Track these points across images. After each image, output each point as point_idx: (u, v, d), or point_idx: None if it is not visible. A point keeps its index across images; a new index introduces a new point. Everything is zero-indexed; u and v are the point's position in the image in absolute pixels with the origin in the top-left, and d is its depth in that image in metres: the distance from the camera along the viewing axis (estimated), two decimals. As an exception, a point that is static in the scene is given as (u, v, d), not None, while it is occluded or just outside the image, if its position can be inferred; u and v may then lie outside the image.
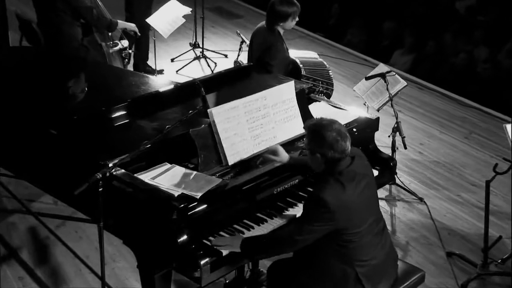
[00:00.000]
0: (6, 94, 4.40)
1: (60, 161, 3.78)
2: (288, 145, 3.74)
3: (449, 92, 7.44)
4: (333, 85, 5.56)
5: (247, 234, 3.30)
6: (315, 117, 3.68)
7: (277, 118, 3.72)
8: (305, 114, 3.85)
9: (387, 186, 5.41)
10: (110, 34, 5.79)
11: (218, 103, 3.62)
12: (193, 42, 8.15)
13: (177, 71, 7.68)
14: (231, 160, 3.48)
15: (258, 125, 3.62)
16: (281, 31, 5.04)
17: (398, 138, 5.22)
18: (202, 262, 3.08)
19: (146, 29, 7.10)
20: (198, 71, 7.70)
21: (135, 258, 3.32)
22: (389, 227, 4.87)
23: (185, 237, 3.10)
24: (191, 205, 3.13)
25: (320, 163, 3.18)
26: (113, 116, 3.83)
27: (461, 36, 8.43)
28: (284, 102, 3.76)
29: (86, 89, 4.52)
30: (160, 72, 7.50)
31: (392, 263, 3.41)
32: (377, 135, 4.23)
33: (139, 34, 6.01)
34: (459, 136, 6.49)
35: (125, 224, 3.36)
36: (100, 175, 3.15)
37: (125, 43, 5.90)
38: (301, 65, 5.39)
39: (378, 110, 5.40)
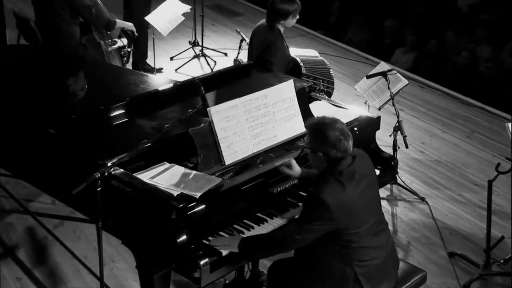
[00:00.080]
0: (4, 93, 4.40)
1: (58, 160, 3.78)
2: (289, 144, 3.75)
3: (451, 90, 7.44)
4: (333, 84, 5.56)
5: (247, 234, 3.30)
6: (315, 116, 3.70)
7: (277, 117, 3.72)
8: (306, 113, 3.85)
9: (388, 185, 5.41)
10: (109, 32, 5.80)
11: (217, 101, 3.62)
12: (193, 40, 8.15)
13: (176, 70, 7.68)
14: (228, 160, 3.48)
15: (258, 124, 3.62)
16: (282, 29, 5.04)
17: (399, 137, 5.22)
18: (202, 262, 3.08)
19: (145, 27, 7.11)
20: (197, 69, 7.71)
21: (134, 258, 3.32)
22: (390, 227, 4.88)
23: (184, 237, 3.10)
24: (190, 205, 3.13)
25: (321, 162, 3.19)
26: (111, 115, 3.83)
27: (464, 34, 8.43)
28: (284, 101, 3.76)
29: (85, 88, 4.52)
30: (159, 70, 7.50)
31: (393, 264, 3.41)
32: (378, 134, 4.23)
33: (137, 34, 6.01)
34: (461, 135, 6.49)
35: (124, 224, 3.36)
36: (99, 175, 3.15)
37: (124, 41, 5.90)
38: (301, 64, 5.39)
39: (379, 109, 5.40)
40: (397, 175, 5.28)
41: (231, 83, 4.23)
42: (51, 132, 3.82)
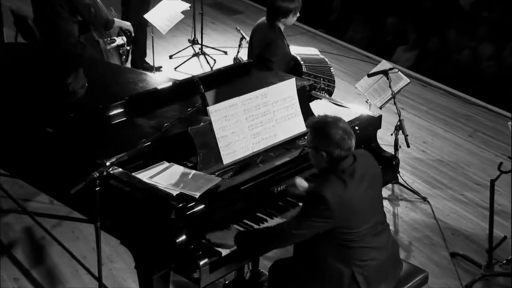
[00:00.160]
0: (1, 92, 4.40)
1: (56, 160, 3.78)
2: (289, 143, 3.75)
3: (453, 89, 7.43)
4: (334, 82, 5.55)
5: (247, 234, 3.31)
6: (316, 115, 3.70)
7: (278, 116, 3.72)
8: (306, 112, 3.86)
9: (390, 185, 5.41)
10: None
11: (217, 100, 3.62)
12: (192, 39, 8.15)
13: (175, 68, 7.68)
14: (227, 160, 3.48)
15: (257, 123, 3.62)
16: (282, 27, 5.04)
17: (401, 137, 5.23)
18: (201, 262, 3.08)
19: (144, 25, 7.11)
20: (197, 68, 7.71)
21: (132, 258, 3.33)
22: (391, 227, 4.88)
23: (183, 237, 3.10)
24: (189, 205, 3.14)
25: (323, 161, 3.19)
26: (110, 114, 3.83)
27: (466, 32, 8.42)
28: (285, 100, 3.76)
29: (83, 86, 4.52)
30: (158, 69, 7.49)
31: (394, 265, 3.40)
32: (379, 133, 4.23)
33: (133, 34, 6.01)
34: (463, 134, 6.49)
35: (123, 224, 3.36)
36: (97, 174, 3.15)
37: (122, 39, 5.90)
38: (302, 62, 5.39)
39: (380, 108, 5.40)
40: (398, 175, 5.27)
41: (231, 81, 4.23)
42: (49, 131, 3.82)
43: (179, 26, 7.29)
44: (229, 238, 3.20)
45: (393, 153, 5.04)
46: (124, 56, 5.99)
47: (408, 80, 5.47)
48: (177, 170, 3.37)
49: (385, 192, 5.36)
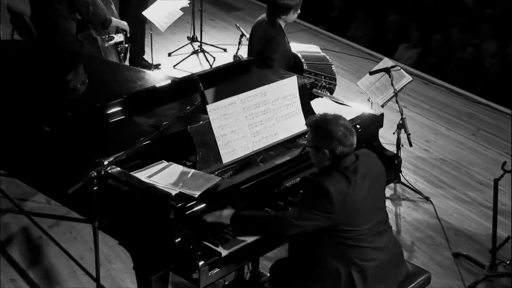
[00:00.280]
0: (-2, 90, 4.41)
1: (54, 159, 3.78)
2: (290, 142, 3.75)
3: (456, 87, 7.43)
4: (336, 80, 5.56)
5: (247, 234, 3.31)
6: (317, 113, 3.70)
7: (278, 115, 3.72)
8: (307, 110, 3.85)
9: (392, 184, 5.42)
10: (105, 29, 5.81)
11: (217, 98, 3.62)
12: (191, 36, 8.15)
13: (174, 66, 7.67)
14: (226, 159, 3.48)
15: (257, 121, 3.62)
16: (283, 24, 5.04)
17: (403, 135, 5.22)
18: (201, 263, 3.08)
19: (142, 22, 7.10)
20: (196, 65, 7.70)
21: (131, 259, 3.33)
22: (393, 227, 4.88)
23: (182, 237, 3.10)
24: (189, 204, 3.13)
25: (326, 160, 3.19)
26: (108, 112, 3.83)
27: (469, 29, 8.43)
28: (285, 98, 3.76)
29: (81, 84, 4.52)
30: (157, 66, 7.49)
31: (396, 266, 3.39)
32: (381, 132, 4.23)
33: (129, 35, 6.01)
34: (466, 133, 6.49)
35: (121, 224, 3.36)
36: (95, 173, 3.15)
37: (120, 36, 5.90)
38: (303, 60, 5.39)
39: (382, 106, 5.40)
40: (400, 174, 5.27)
41: (230, 79, 4.22)
42: (46, 129, 3.82)
43: (178, 23, 7.29)
44: (225, 218, 3.19)
45: (395, 152, 5.05)
46: (122, 54, 6.00)
47: (410, 78, 5.47)
48: (176, 169, 3.37)
49: (387, 191, 5.36)
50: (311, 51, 5.67)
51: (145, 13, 6.78)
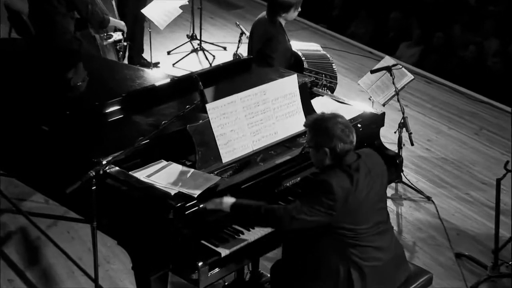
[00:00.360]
0: (-5, 88, 4.41)
1: (52, 158, 3.78)
2: (290, 141, 3.75)
3: (458, 86, 7.44)
4: (336, 79, 5.56)
5: (247, 234, 3.30)
6: (318, 112, 3.70)
7: (278, 114, 3.72)
8: (308, 109, 3.85)
9: (393, 184, 5.42)
10: (103, 28, 5.81)
11: (216, 97, 3.62)
12: (191, 34, 8.15)
13: (173, 64, 7.68)
14: (226, 158, 3.48)
15: (257, 120, 3.62)
16: (283, 22, 5.04)
17: (404, 134, 5.22)
18: (200, 263, 3.08)
19: (141, 20, 7.10)
20: (195, 64, 7.70)
21: (130, 259, 3.33)
22: (395, 227, 4.88)
23: (182, 237, 3.10)
24: (188, 204, 3.14)
25: (327, 159, 3.19)
26: (107, 111, 3.83)
27: (471, 27, 8.43)
28: (285, 97, 3.76)
29: (79, 83, 4.52)
30: (156, 65, 7.50)
31: (398, 267, 3.39)
32: (382, 131, 4.23)
33: (125, 36, 6.02)
34: (468, 132, 6.49)
35: (120, 224, 3.36)
36: (93, 173, 3.15)
37: (119, 35, 5.90)
38: (303, 58, 5.39)
39: (383, 105, 5.40)
40: (402, 174, 5.27)
41: (230, 78, 4.22)
42: (44, 129, 3.82)
43: (177, 21, 7.29)
44: (226, 206, 3.19)
45: (396, 151, 5.05)
46: (121, 52, 6.00)
47: (412, 77, 5.47)
48: (175, 168, 3.37)
49: (389, 191, 5.36)
50: (312, 49, 5.67)
51: (144, 11, 6.78)
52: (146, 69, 4.91)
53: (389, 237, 3.35)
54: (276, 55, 4.95)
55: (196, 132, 3.43)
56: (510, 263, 4.51)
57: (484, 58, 8.01)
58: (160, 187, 3.20)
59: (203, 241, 3.22)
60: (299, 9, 5.04)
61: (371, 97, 5.52)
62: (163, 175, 3.31)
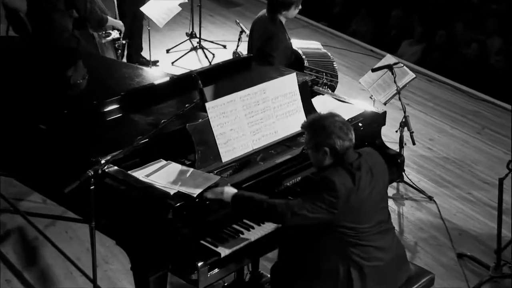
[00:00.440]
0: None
1: (50, 158, 3.79)
2: (290, 140, 3.75)
3: (460, 84, 7.44)
4: (337, 77, 5.56)
5: (247, 234, 3.31)
6: (318, 111, 3.71)
7: (278, 112, 3.72)
8: (308, 108, 3.86)
9: (395, 184, 5.42)
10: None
11: (216, 96, 3.62)
12: (190, 32, 8.15)
13: (172, 63, 7.68)
14: (226, 157, 3.48)
15: (257, 119, 3.63)
16: (283, 20, 5.04)
17: (406, 133, 5.23)
18: (200, 263, 3.08)
19: (139, 18, 7.10)
20: (195, 62, 7.71)
21: (128, 259, 3.33)
22: (396, 227, 4.89)
23: (181, 237, 3.10)
24: (187, 204, 3.14)
25: (327, 158, 3.19)
26: (105, 110, 3.83)
27: (473, 25, 8.43)
28: (285, 96, 3.76)
29: (77, 81, 4.52)
30: (155, 63, 7.50)
31: (399, 267, 3.40)
32: (384, 130, 4.24)
33: (122, 36, 6.02)
34: (470, 131, 6.49)
35: (118, 224, 3.37)
36: (92, 172, 3.15)
37: (118, 33, 5.90)
38: (304, 56, 5.39)
39: (385, 104, 5.40)
40: (403, 173, 5.28)
41: (230, 76, 4.23)
42: (42, 128, 3.82)
43: (176, 19, 7.29)
44: (226, 196, 3.19)
45: (398, 150, 5.05)
46: (120, 51, 6.00)
47: (414, 75, 5.47)
48: (174, 168, 3.37)
49: (390, 191, 5.36)
50: (312, 47, 5.67)
51: (143, 8, 6.78)
52: (145, 68, 4.91)
53: (391, 237, 3.36)
54: (277, 53, 4.95)
55: (196, 131, 3.43)
56: (513, 263, 4.52)
57: (487, 56, 8.01)
58: (159, 187, 3.21)
59: (202, 241, 3.22)
60: (300, 7, 5.04)
61: (372, 95, 5.53)
62: (162, 175, 3.31)
